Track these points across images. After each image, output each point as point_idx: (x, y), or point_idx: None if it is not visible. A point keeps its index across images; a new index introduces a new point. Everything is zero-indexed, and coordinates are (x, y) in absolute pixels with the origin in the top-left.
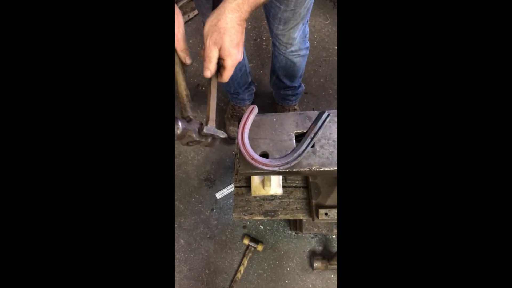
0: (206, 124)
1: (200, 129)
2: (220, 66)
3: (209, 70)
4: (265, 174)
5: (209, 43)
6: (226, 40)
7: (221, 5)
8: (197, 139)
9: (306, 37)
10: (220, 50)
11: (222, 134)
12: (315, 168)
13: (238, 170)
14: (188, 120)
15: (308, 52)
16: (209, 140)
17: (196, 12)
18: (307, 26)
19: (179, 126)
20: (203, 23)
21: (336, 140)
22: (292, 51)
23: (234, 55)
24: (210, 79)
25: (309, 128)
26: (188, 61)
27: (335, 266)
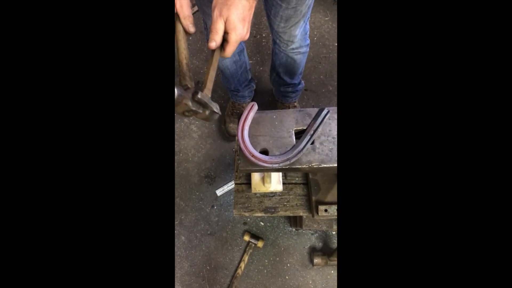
0: (202, 91)
1: (195, 94)
2: (224, 40)
3: (214, 41)
4: (265, 171)
5: (216, 14)
6: (232, 13)
7: None
8: (193, 108)
9: (306, 34)
10: (226, 23)
11: (215, 108)
12: (314, 165)
13: (238, 167)
14: (185, 88)
15: (308, 49)
16: (207, 112)
17: (196, 8)
18: (308, 23)
19: (175, 91)
20: (204, 22)
21: (335, 137)
22: (292, 49)
23: (239, 30)
24: (213, 51)
25: (309, 125)
26: (191, 29)
27: (335, 262)
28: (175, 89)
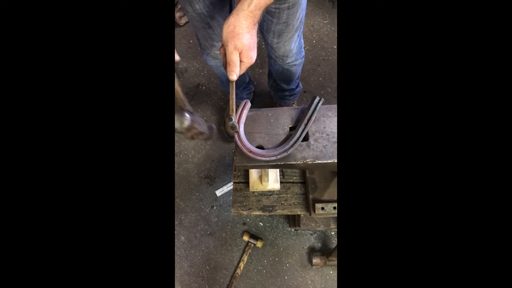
0: (231, 115)
1: (229, 120)
2: None
3: (235, 73)
4: (261, 167)
5: (231, 48)
6: (245, 45)
7: (235, 11)
8: (202, 130)
9: (301, 48)
10: (240, 54)
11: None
12: (309, 161)
13: (235, 163)
14: (190, 113)
15: (303, 59)
16: (209, 132)
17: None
18: (301, 37)
19: (187, 118)
20: (196, 36)
21: (329, 133)
22: (288, 63)
23: (251, 58)
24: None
25: (303, 115)
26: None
27: (334, 262)
28: (187, 115)
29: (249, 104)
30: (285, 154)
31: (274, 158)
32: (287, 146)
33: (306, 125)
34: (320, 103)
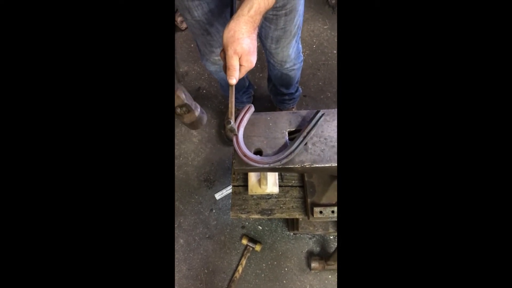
0: (230, 119)
1: (228, 123)
2: None
3: (235, 77)
4: (258, 170)
5: (231, 53)
6: (245, 50)
7: (235, 17)
8: (186, 102)
9: (300, 53)
10: (239, 58)
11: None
12: (307, 164)
13: (233, 166)
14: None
15: (302, 64)
16: (197, 113)
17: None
18: (299, 43)
19: None
20: (196, 42)
21: (327, 138)
22: (287, 68)
23: (251, 63)
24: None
25: (304, 127)
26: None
27: (333, 267)
28: None
29: (252, 109)
30: (278, 163)
31: (267, 166)
32: (282, 156)
33: (305, 137)
34: (322, 118)
